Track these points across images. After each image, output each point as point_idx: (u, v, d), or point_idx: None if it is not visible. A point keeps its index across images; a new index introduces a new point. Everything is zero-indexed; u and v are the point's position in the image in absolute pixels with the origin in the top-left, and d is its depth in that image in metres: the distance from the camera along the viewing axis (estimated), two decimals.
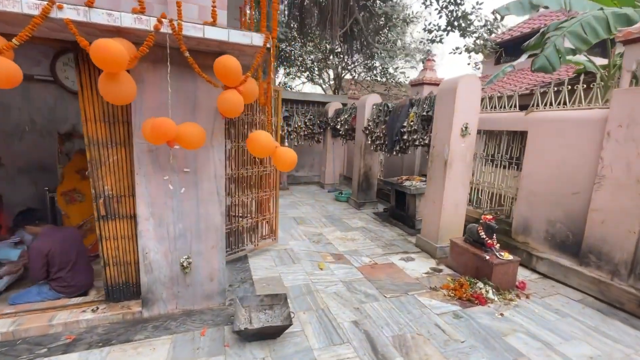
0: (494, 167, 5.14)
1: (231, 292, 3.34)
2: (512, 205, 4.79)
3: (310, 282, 3.68)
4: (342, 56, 12.45)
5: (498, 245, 3.71)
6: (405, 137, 5.34)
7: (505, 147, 4.90)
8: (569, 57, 5.21)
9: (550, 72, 4.40)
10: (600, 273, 3.47)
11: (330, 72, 14.69)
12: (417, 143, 5.16)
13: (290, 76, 14.43)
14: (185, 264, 2.84)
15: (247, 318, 2.79)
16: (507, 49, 10.30)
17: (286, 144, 8.51)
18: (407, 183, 5.83)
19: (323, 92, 15.22)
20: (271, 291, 3.37)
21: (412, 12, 11.42)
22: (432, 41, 10.06)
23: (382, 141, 6.13)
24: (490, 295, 3.37)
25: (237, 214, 4.18)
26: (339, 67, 13.35)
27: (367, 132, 6.67)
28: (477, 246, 3.82)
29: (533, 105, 4.42)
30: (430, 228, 4.63)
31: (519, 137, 4.64)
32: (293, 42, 11.86)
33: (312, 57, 13.30)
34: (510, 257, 3.59)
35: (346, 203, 7.63)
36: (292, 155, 2.56)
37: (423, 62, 10.59)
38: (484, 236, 3.69)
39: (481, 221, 3.77)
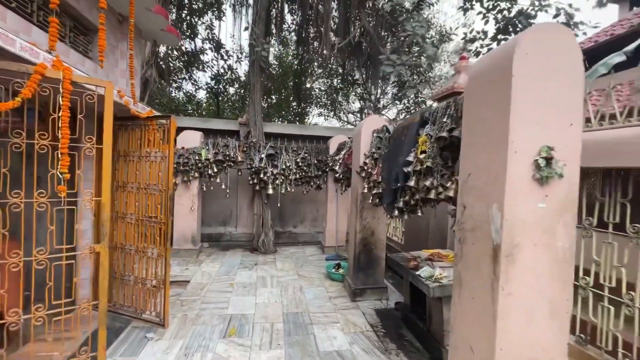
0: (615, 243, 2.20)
1: None
2: None
3: None
4: (362, 84, 10.37)
5: None
6: (411, 182, 2.72)
7: None
8: None
9: None
10: None
11: (357, 103, 12.71)
12: (432, 195, 2.49)
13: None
14: None
15: None
16: None
17: (270, 190, 6.27)
18: (425, 271, 3.04)
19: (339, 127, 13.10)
20: None
21: (446, 27, 9.10)
22: (477, 54, 7.51)
23: (382, 189, 3.55)
24: None
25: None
26: (362, 97, 11.24)
27: (364, 174, 4.14)
28: None
29: None
30: None
31: None
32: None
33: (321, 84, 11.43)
34: None
35: (341, 285, 4.90)
36: None
37: (452, 64, 7.77)
38: None
39: None
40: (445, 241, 4.15)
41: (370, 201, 4.01)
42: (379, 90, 11.11)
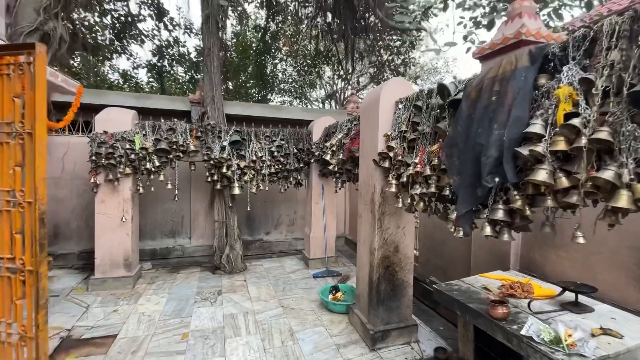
0: None
1: None
2: None
3: None
4: (339, 61, 9.01)
5: None
6: (543, 173, 1.39)
7: None
8: None
9: None
10: None
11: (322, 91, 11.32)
12: (624, 202, 1.18)
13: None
14: None
15: None
16: None
17: (236, 190, 4.64)
18: (540, 330, 1.74)
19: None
20: None
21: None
22: (477, 25, 6.52)
23: (431, 187, 2.20)
24: None
25: None
26: (335, 77, 9.90)
27: (387, 163, 2.76)
28: None
29: None
30: None
31: None
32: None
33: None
34: None
35: (345, 319, 3.52)
36: None
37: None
38: None
39: None
40: (507, 260, 2.91)
41: (401, 205, 2.66)
42: (357, 68, 9.80)
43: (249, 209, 4.83)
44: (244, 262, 5.28)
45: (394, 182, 2.67)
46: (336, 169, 4.13)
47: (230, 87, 12.31)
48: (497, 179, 1.60)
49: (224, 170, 4.57)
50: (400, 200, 2.68)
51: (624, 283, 2.00)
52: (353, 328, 3.32)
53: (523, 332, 1.75)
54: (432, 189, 2.18)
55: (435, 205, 2.40)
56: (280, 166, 5.00)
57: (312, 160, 5.04)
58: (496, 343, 2.16)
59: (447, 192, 2.10)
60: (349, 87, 10.29)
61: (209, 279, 4.73)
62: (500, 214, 1.65)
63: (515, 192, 1.62)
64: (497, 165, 1.61)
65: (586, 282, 2.12)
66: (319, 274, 4.82)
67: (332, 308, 3.67)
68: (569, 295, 2.11)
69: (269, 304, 3.89)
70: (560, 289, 2.09)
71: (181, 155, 4.52)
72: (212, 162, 4.57)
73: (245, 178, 4.71)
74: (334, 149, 4.17)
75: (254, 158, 4.75)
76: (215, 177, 4.66)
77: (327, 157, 4.26)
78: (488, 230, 1.71)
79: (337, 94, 10.50)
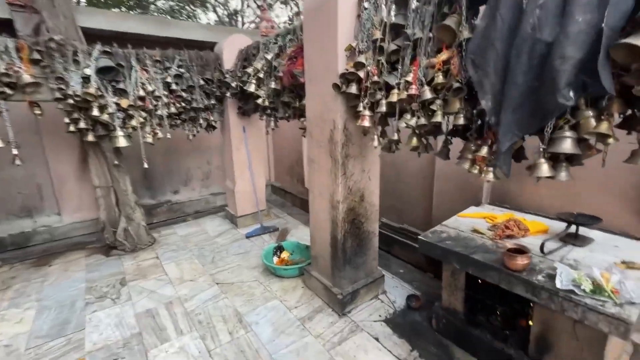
0: None
1: None
2: None
3: None
4: None
5: None
6: None
7: None
8: None
9: None
10: None
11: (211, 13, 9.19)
12: None
13: None
14: None
15: None
16: None
17: (121, 141, 3.23)
18: (564, 276, 1.47)
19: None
20: None
21: None
22: None
23: (436, 116, 1.60)
24: None
25: None
26: None
27: (359, 86, 2.02)
28: None
29: None
30: None
31: None
32: None
33: None
34: None
35: (298, 283, 2.99)
36: None
37: None
38: None
39: None
40: (466, 196, 2.65)
41: (377, 144, 2.03)
42: None
43: (146, 166, 3.53)
44: (150, 233, 4.10)
45: (367, 113, 1.98)
46: (267, 103, 3.17)
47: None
48: (578, 93, 1.07)
49: (95, 113, 3.06)
50: (376, 137, 2.04)
51: (613, 207, 1.92)
52: (312, 292, 2.83)
53: (558, 284, 1.46)
54: (438, 118, 1.58)
55: (427, 140, 1.85)
56: (183, 104, 3.69)
57: (227, 94, 3.86)
58: (490, 288, 1.93)
59: (461, 121, 1.53)
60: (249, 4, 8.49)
61: (102, 265, 3.49)
62: (568, 145, 1.16)
63: (591, 112, 1.13)
64: (581, 71, 1.06)
65: (569, 211, 1.99)
66: (253, 233, 4.09)
67: (282, 274, 3.07)
68: (560, 226, 1.96)
69: (199, 284, 3.04)
70: (548, 220, 1.90)
71: (9, 92, 2.79)
72: (70, 101, 2.98)
73: (133, 123, 3.31)
74: (260, 75, 3.15)
75: (142, 94, 3.32)
76: (83, 125, 3.12)
77: (251, 89, 3.23)
78: (545, 169, 1.23)
79: (236, 16, 8.59)
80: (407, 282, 2.95)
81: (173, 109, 3.60)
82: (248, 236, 4.05)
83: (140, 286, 3.03)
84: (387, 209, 3.48)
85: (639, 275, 1.51)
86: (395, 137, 1.90)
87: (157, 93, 3.45)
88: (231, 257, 3.56)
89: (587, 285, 1.41)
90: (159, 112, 3.48)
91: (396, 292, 2.81)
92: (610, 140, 1.11)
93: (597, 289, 1.40)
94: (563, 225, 1.98)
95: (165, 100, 3.52)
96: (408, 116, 1.73)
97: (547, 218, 2.17)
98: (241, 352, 2.19)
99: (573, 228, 1.86)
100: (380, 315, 2.51)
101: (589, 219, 1.79)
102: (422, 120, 1.66)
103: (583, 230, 1.88)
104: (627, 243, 1.80)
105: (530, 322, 1.80)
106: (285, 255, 3.37)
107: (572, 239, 1.84)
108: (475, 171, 1.49)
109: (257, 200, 4.34)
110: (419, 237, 2.11)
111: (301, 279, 3.03)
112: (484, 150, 1.41)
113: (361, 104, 2.00)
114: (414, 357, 2.10)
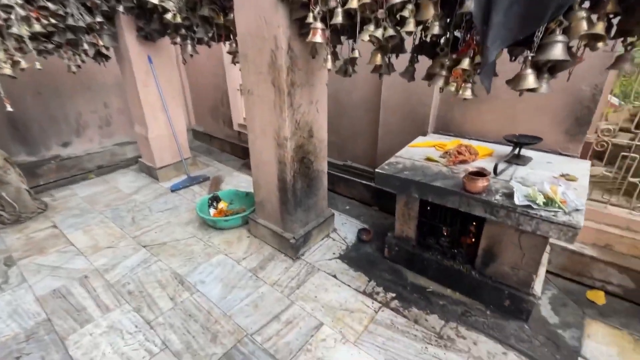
0: None
1: None
2: None
3: None
4: None
5: None
6: None
7: None
8: None
9: None
10: None
11: None
12: None
13: None
14: None
15: None
16: None
17: None
18: (526, 192, 1.53)
19: None
20: None
21: None
22: None
23: (408, 25, 1.36)
24: None
25: None
26: None
27: None
28: None
29: None
30: None
31: None
32: None
33: None
34: None
35: (243, 233, 2.73)
36: None
37: None
38: None
39: None
40: (424, 125, 2.59)
41: (330, 65, 1.74)
42: None
43: (9, 109, 2.56)
44: (39, 198, 3.23)
45: (319, 25, 1.62)
46: (178, 19, 2.47)
47: None
48: None
49: None
50: (330, 57, 1.73)
51: (544, 126, 2.06)
52: (260, 241, 2.62)
53: (516, 201, 1.51)
54: (410, 27, 1.34)
55: (389, 58, 1.62)
56: (53, 20, 2.68)
57: (119, 9, 2.91)
58: (439, 213, 1.99)
59: (436, 30, 1.32)
60: None
61: None
62: (559, 51, 1.06)
63: (584, 13, 1.02)
64: None
65: (512, 133, 2.09)
66: (180, 185, 3.55)
67: (223, 225, 2.75)
68: (506, 150, 2.05)
69: (121, 250, 2.54)
70: (490, 144, 1.97)
71: None
72: None
73: None
74: None
75: None
76: None
77: (155, 0, 2.45)
78: (531, 80, 1.13)
79: None
80: (355, 217, 2.95)
81: (38, 27, 2.58)
82: (174, 189, 3.50)
83: (36, 263, 2.39)
84: (328, 146, 3.31)
85: (575, 185, 1.66)
86: (356, 54, 1.62)
87: (9, 3, 2.39)
88: (156, 215, 3.05)
89: (541, 199, 1.49)
90: (14, 30, 2.46)
91: (345, 228, 2.79)
92: (600, 44, 1.03)
93: (549, 201, 1.49)
94: (505, 147, 2.08)
95: (22, 12, 2.48)
96: (372, 27, 1.45)
97: (489, 142, 2.26)
98: (189, 317, 1.92)
99: (510, 149, 1.95)
100: (334, 253, 2.47)
101: (532, 139, 1.89)
102: (390, 32, 1.40)
103: (523, 151, 1.99)
104: (557, 159, 1.99)
105: (474, 240, 1.94)
106: (223, 205, 3.02)
107: (516, 159, 1.94)
108: (452, 89, 1.34)
109: (180, 148, 3.71)
110: (376, 170, 1.99)
111: (245, 229, 2.77)
112: (465, 63, 1.25)
113: (311, 15, 1.62)
114: (372, 287, 2.14)
